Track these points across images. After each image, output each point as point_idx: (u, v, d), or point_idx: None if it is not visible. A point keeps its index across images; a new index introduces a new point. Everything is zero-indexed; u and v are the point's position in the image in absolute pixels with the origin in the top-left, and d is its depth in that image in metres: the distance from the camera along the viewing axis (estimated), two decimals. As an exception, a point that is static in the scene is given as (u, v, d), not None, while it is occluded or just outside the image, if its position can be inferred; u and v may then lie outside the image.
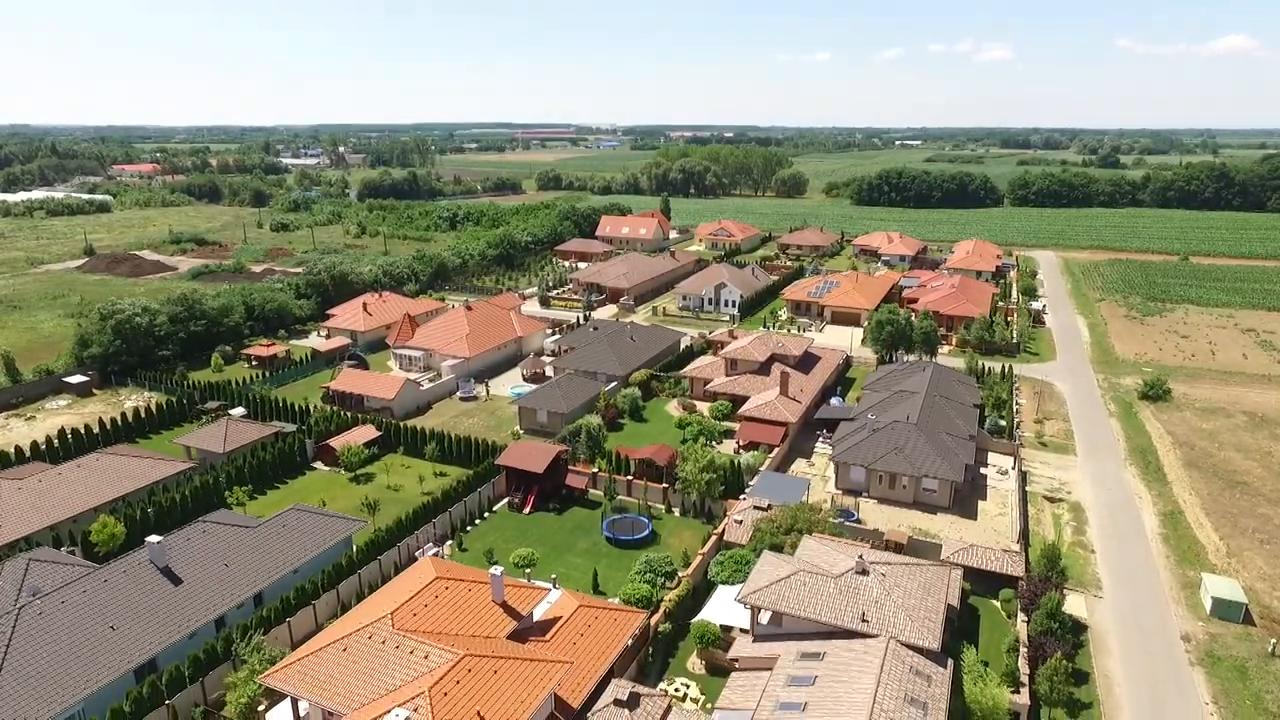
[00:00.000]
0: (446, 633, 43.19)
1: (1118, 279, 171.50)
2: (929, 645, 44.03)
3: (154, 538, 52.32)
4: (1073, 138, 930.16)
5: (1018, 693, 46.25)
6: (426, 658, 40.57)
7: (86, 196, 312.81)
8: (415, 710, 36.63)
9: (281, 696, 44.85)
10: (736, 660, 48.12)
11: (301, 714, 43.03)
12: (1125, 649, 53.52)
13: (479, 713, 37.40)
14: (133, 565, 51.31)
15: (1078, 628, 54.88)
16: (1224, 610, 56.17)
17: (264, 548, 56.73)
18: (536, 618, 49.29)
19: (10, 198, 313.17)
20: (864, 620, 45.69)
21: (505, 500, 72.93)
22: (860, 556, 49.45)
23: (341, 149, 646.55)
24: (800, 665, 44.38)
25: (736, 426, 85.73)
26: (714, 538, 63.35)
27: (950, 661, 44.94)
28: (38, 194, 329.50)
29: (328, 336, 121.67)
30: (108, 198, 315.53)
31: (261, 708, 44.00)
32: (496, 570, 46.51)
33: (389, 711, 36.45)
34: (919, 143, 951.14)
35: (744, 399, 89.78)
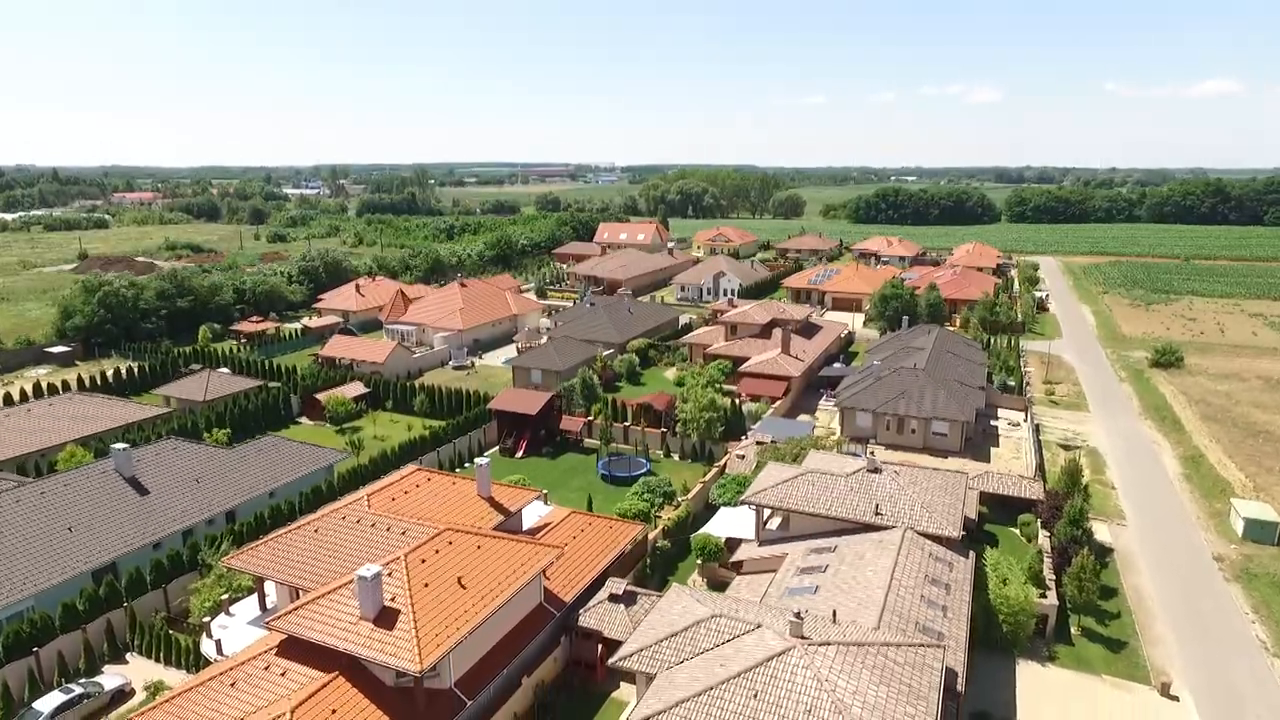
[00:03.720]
0: (427, 518, 40.05)
1: (1120, 277, 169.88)
2: (949, 533, 40.88)
3: (120, 445, 49.29)
4: (1065, 174, 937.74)
5: (1044, 597, 42.90)
6: (404, 534, 37.41)
7: (85, 215, 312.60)
8: (390, 574, 33.38)
9: (248, 593, 41.49)
10: (741, 564, 44.81)
11: (270, 604, 39.63)
12: (1154, 568, 50.18)
13: (459, 579, 34.12)
14: (95, 472, 48.24)
15: (1103, 551, 51.56)
16: (1257, 532, 52.93)
17: (238, 468, 53.58)
18: (525, 526, 46.14)
19: (8, 216, 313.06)
20: (878, 514, 42.56)
21: (496, 447, 69.81)
22: (871, 454, 46.46)
23: (341, 181, 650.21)
24: (811, 559, 41.12)
25: (736, 387, 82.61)
26: (715, 470, 60.25)
27: (971, 554, 41.72)
28: (37, 213, 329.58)
29: (319, 315, 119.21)
30: (106, 216, 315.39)
31: (225, 597, 40.49)
32: (483, 460, 43.46)
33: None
34: (914, 179, 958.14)
35: (744, 360, 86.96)
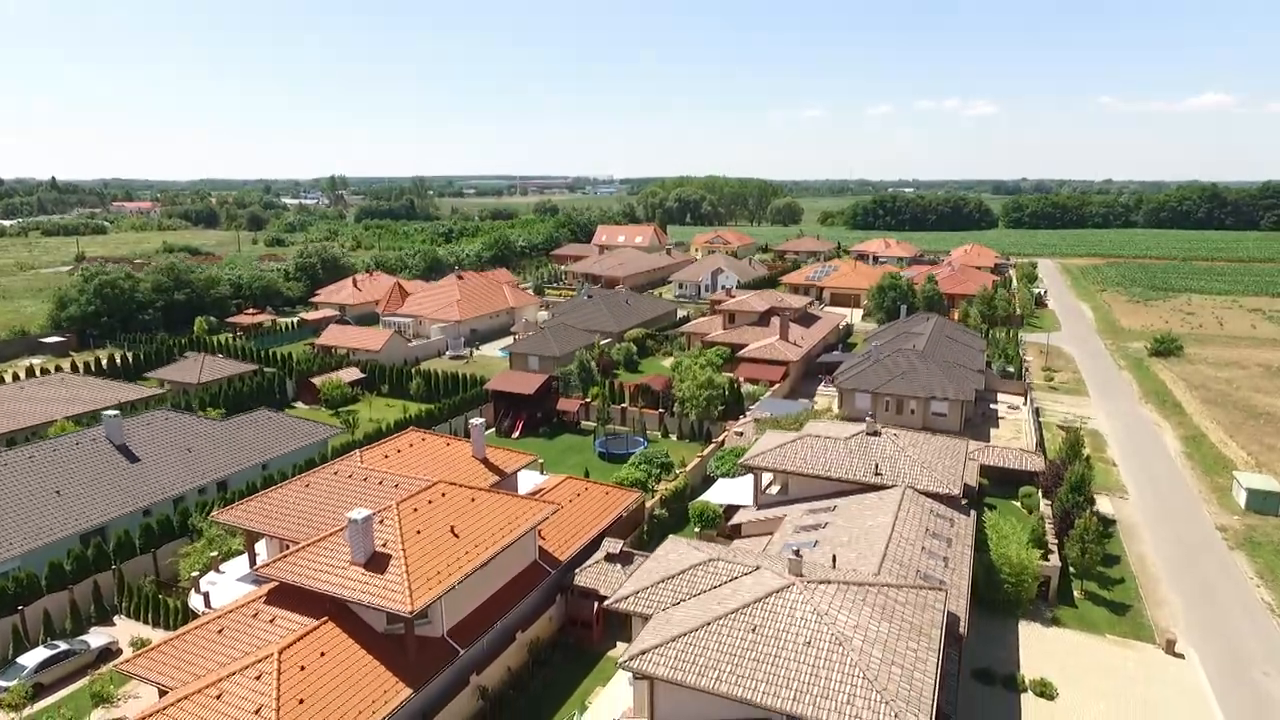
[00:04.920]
0: (421, 476, 39.46)
1: (1118, 276, 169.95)
2: (950, 491, 40.33)
3: (111, 411, 48.74)
4: (1062, 185, 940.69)
5: (1046, 559, 42.31)
6: (397, 487, 36.84)
7: (84, 221, 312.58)
8: (381, 522, 32.81)
9: (238, 554, 40.85)
10: (739, 528, 44.20)
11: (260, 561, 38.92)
12: (1157, 538, 49.65)
13: (452, 527, 33.54)
14: (86, 439, 47.69)
15: (1105, 522, 50.91)
16: (1260, 503, 52.40)
17: (231, 439, 53.01)
18: (521, 493, 45.54)
19: (7, 222, 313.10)
20: (877, 474, 42.02)
21: (492, 429, 69.21)
22: (870, 418, 45.99)
23: (340, 192, 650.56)
24: (810, 518, 40.54)
25: (734, 373, 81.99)
26: (713, 446, 59.71)
27: (973, 512, 41.17)
28: (36, 219, 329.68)
29: (315, 309, 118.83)
30: (105, 223, 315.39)
31: (215, 554, 39.82)
32: (478, 421, 42.93)
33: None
34: (911, 190, 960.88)
35: (742, 347, 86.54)
